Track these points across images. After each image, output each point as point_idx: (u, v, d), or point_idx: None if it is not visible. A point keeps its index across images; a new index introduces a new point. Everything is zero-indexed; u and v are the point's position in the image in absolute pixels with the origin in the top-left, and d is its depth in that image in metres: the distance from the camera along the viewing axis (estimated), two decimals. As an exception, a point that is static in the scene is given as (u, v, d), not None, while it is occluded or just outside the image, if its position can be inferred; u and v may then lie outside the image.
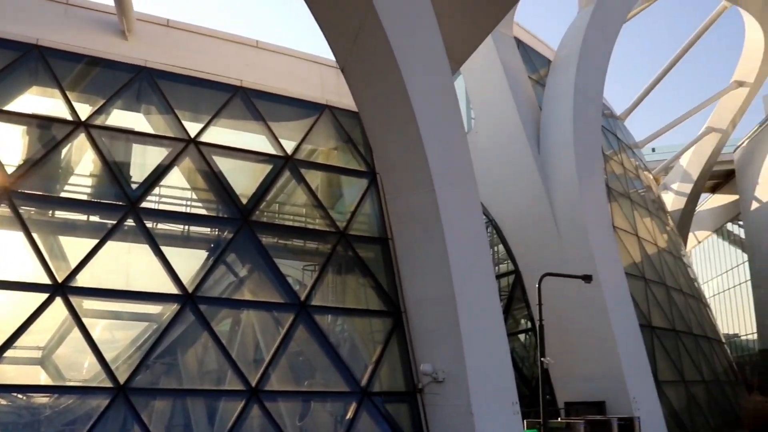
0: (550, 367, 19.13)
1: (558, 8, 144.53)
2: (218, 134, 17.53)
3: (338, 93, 19.78)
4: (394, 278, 17.69)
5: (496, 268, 26.14)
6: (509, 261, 25.73)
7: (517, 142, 25.27)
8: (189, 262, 15.89)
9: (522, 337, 26.15)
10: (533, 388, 23.56)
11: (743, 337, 52.92)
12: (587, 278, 19.41)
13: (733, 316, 54.35)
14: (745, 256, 48.92)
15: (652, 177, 41.24)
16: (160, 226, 16.00)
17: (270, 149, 18.16)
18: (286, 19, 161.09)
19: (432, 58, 16.58)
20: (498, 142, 26.06)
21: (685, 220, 48.32)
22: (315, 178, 18.73)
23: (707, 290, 55.48)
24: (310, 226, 18.10)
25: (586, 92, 25.78)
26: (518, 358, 25.16)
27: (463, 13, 18.03)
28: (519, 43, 28.43)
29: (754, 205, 43.71)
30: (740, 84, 42.50)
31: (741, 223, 49.27)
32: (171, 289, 14.96)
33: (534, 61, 29.42)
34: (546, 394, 19.34)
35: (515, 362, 23.75)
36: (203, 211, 17.33)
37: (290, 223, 18.11)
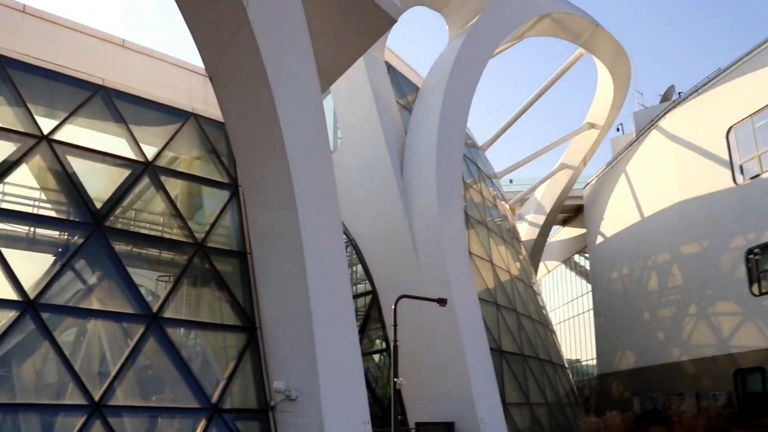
0: (402, 388, 19.42)
1: (429, 37, 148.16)
2: (74, 133, 16.58)
3: (205, 101, 19.37)
4: (251, 293, 17.45)
5: (354, 287, 26.32)
6: (367, 281, 25.98)
7: (381, 165, 25.64)
8: (33, 266, 14.91)
9: (376, 357, 26.42)
10: (385, 408, 23.82)
11: (584, 363, 56.05)
12: (442, 302, 19.86)
13: (576, 342, 57.47)
14: (589, 287, 51.88)
15: (508, 207, 43.03)
16: (2, 226, 14.96)
17: (129, 153, 17.44)
18: (157, 22, 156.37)
19: (303, 76, 16.60)
20: (362, 163, 26.36)
21: (537, 249, 50.73)
22: (175, 187, 18.19)
23: (554, 317, 58.30)
24: (167, 236, 17.54)
25: (450, 121, 26.57)
26: (372, 378, 25.38)
27: (336, 35, 18.18)
28: (389, 67, 29.00)
29: (599, 239, 46.52)
30: (592, 126, 45.30)
31: (587, 255, 52.24)
32: (10, 294, 13.99)
33: (403, 86, 30.10)
34: (398, 414, 19.60)
35: (369, 382, 23.93)
36: (52, 213, 16.32)
37: (146, 232, 17.40)
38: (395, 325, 18.53)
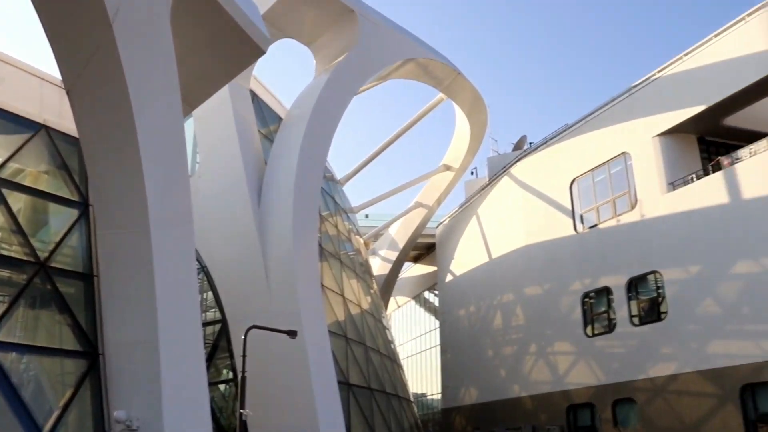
0: (248, 419, 19.16)
1: (295, 69, 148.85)
2: None
3: (59, 114, 18.53)
4: (95, 317, 16.72)
5: (203, 315, 25.74)
6: (217, 309, 25.50)
7: (238, 193, 25.41)
8: None
9: (222, 387, 25.85)
10: (229, 439, 23.36)
11: (429, 397, 57.30)
12: (292, 334, 19.87)
13: (422, 376, 58.69)
14: (437, 323, 53.28)
15: (362, 241, 43.62)
16: None
17: (-32, 163, 16.42)
18: (11, 25, 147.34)
19: (165, 98, 16.27)
20: (219, 189, 26.00)
21: (388, 284, 51.60)
22: (18, 201, 17.21)
23: (402, 352, 59.27)
24: (5, 253, 16.51)
25: (311, 154, 26.80)
26: (217, 409, 24.79)
27: (203, 61, 18.02)
28: (254, 96, 28.95)
29: (449, 277, 48.05)
30: (448, 168, 46.97)
31: (437, 292, 53.70)
32: None
33: (266, 116, 30.10)
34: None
35: (214, 413, 23.34)
36: None
37: (-19, 247, 16.36)
38: (244, 356, 18.33)
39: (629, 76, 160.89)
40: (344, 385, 26.90)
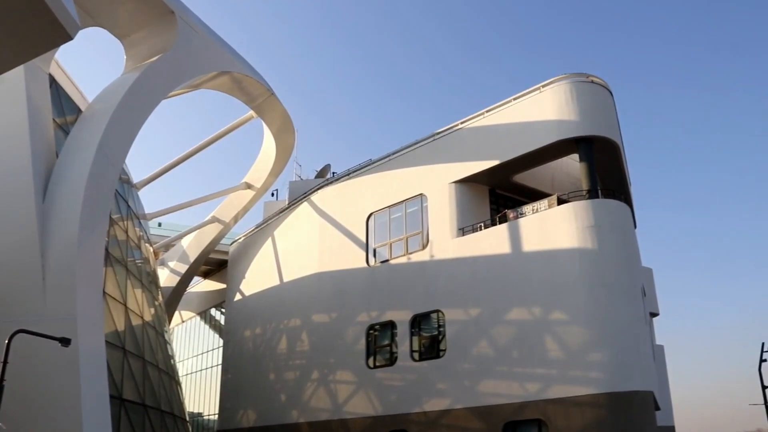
0: (1, 432, 17.43)
1: (103, 62, 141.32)
2: None
3: None
4: None
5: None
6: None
7: (21, 183, 23.20)
8: None
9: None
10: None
11: (206, 417, 55.58)
12: (65, 342, 18.44)
13: (201, 396, 56.89)
14: (221, 342, 52.06)
15: (152, 250, 41.82)
16: None
17: None
18: None
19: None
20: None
21: (174, 297, 49.81)
22: None
23: (182, 368, 57.26)
24: None
25: (109, 153, 25.26)
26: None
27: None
28: (53, 81, 26.89)
29: (237, 296, 47.24)
30: (249, 186, 46.44)
31: (224, 310, 52.54)
32: None
33: (64, 105, 28.03)
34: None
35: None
36: None
37: None
38: (5, 362, 16.76)
39: (436, 123, 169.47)
40: (117, 399, 25.39)
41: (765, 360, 42.51)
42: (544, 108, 30.20)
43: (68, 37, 16.96)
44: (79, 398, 20.94)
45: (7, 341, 16.98)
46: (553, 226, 28.25)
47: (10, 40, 16.68)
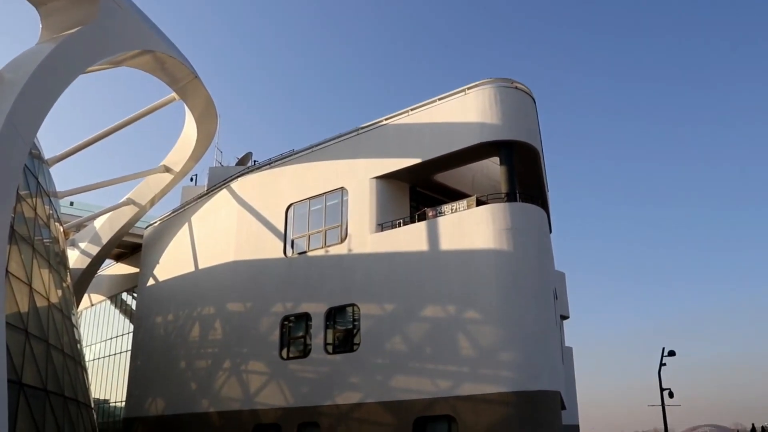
0: None
1: (14, 29, 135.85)
2: None
3: None
4: None
5: None
6: None
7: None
8: None
9: None
10: None
11: (112, 404, 54.16)
12: (-37, 320, 17.60)
13: (108, 382, 55.42)
14: (132, 327, 50.81)
15: (62, 230, 40.30)
16: None
17: None
18: None
19: None
20: None
21: (84, 280, 48.31)
22: None
23: (89, 353, 55.62)
24: None
25: (19, 125, 24.14)
26: None
27: None
28: (-40, 48, 25.54)
29: (151, 281, 46.16)
30: (167, 169, 45.28)
31: (135, 295, 51.27)
32: None
33: (-30, 72, 26.62)
34: None
35: None
36: None
37: None
38: None
39: (362, 118, 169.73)
40: (15, 384, 24.29)
41: (664, 364, 44.28)
42: (467, 110, 30.55)
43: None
44: (-26, 381, 20.02)
45: None
46: (470, 227, 28.62)
47: None
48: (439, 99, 31.76)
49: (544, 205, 32.17)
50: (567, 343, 51.55)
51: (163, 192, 46.46)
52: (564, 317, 50.26)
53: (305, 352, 32.95)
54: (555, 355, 27.95)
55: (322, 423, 30.69)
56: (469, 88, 31.04)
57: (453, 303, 28.11)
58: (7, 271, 24.70)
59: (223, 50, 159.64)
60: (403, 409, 28.21)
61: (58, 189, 39.80)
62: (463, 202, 29.64)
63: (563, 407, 29.29)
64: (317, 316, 32.56)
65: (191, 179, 51.90)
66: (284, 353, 33.81)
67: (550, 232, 32.28)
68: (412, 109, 32.51)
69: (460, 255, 28.51)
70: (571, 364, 52.43)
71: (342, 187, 33.73)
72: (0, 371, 21.67)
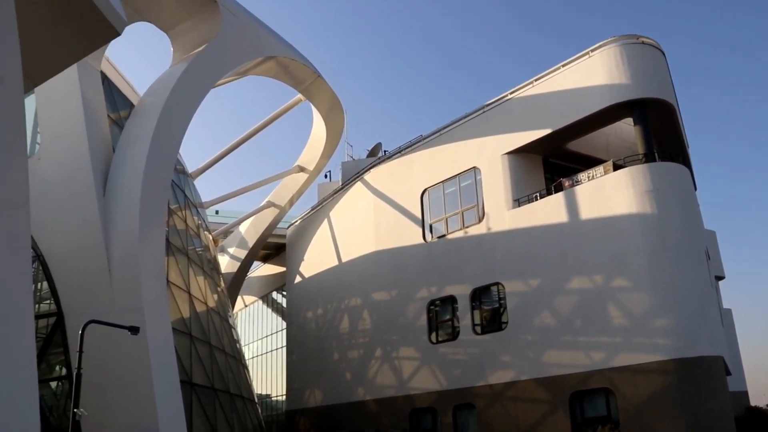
0: (82, 420, 18.07)
1: (151, 56, 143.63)
2: None
3: None
4: None
5: (36, 307, 24.09)
6: (52, 301, 23.92)
7: (82, 179, 23.94)
8: None
9: (54, 384, 24.28)
10: (59, 440, 21.96)
11: (274, 398, 56.71)
12: (134, 330, 19.03)
13: (267, 378, 58.00)
14: (284, 324, 52.87)
15: (211, 238, 42.60)
16: None
17: None
18: None
19: (4, 71, 15.02)
20: (61, 174, 24.36)
21: (236, 283, 50.67)
22: None
23: (248, 352, 58.40)
24: None
25: (163, 144, 25.78)
26: (47, 407, 23.26)
27: (51, 35, 16.74)
28: (105, 78, 27.48)
29: (298, 278, 47.82)
30: (302, 169, 46.74)
31: (285, 293, 53.27)
32: None
33: (117, 100, 28.67)
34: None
35: (43, 411, 21.93)
36: None
37: None
38: (80, 352, 17.34)
39: (486, 94, 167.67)
40: (187, 384, 26.05)
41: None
42: (594, 72, 29.61)
43: (116, 33, 17.28)
44: (151, 384, 21.62)
45: (80, 332, 17.55)
46: (610, 192, 27.78)
47: (62, 39, 17.10)
48: (563, 66, 30.97)
49: (685, 162, 30.68)
50: (725, 305, 49.02)
51: (300, 191, 48.02)
52: (719, 278, 47.80)
53: (454, 334, 33.18)
54: (713, 317, 26.66)
55: (477, 404, 30.85)
56: (593, 50, 30.06)
57: (599, 272, 27.43)
58: (167, 280, 26.47)
59: (341, 44, 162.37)
60: (557, 385, 27.88)
61: (203, 199, 42.05)
62: (600, 168, 28.79)
63: (728, 373, 27.94)
64: (462, 298, 32.68)
65: (325, 176, 53.23)
66: (433, 337, 34.19)
67: (695, 190, 30.78)
68: (536, 80, 31.89)
69: (602, 223, 27.76)
70: (732, 327, 49.83)
71: (474, 167, 33.61)
72: (172, 373, 23.32)
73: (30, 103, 24.98)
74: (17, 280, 15.17)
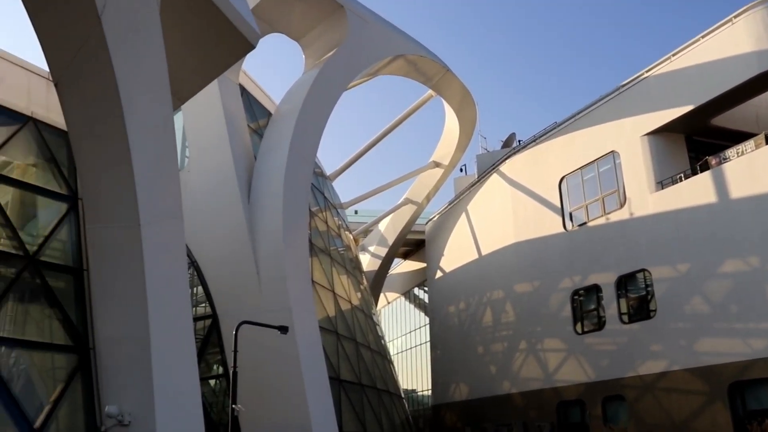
0: (240, 415, 19.09)
1: (285, 65, 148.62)
2: None
3: (47, 107, 18.37)
4: (86, 312, 16.61)
5: (194, 310, 25.66)
6: (207, 304, 25.42)
7: (228, 188, 25.34)
8: None
9: (212, 382, 25.77)
10: (220, 435, 23.30)
11: (419, 393, 57.37)
12: (283, 329, 19.86)
13: (412, 373, 58.73)
14: (427, 319, 53.32)
15: (352, 237, 43.61)
16: None
17: (-44, 156, 16.26)
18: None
19: (155, 91, 16.15)
20: (209, 185, 25.91)
21: (378, 281, 51.60)
22: (5, 194, 17.03)
23: (392, 348, 59.34)
24: (-6, 247, 16.39)
25: (301, 149, 26.75)
26: (208, 404, 24.71)
27: (193, 55, 17.90)
28: (243, 90, 28.85)
29: (438, 274, 48.06)
30: (437, 164, 46.98)
31: (426, 288, 53.71)
32: None
33: (255, 111, 30.01)
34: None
35: (205, 408, 23.28)
36: None
37: (-31, 241, 16.20)
38: (235, 351, 18.30)
39: (619, 75, 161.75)
40: (335, 380, 26.88)
41: None
42: (738, 40, 27.82)
43: (251, 47, 18.26)
44: (302, 381, 22.53)
45: (234, 332, 18.55)
46: (763, 168, 26.01)
47: (205, 56, 18.22)
48: (702, 37, 29.30)
49: None
50: None
51: (437, 186, 48.27)
52: None
53: (600, 324, 32.26)
54: None
55: (627, 395, 29.85)
56: (735, 17, 28.20)
57: (755, 254, 25.77)
58: (312, 280, 27.44)
59: (468, 34, 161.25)
60: (714, 375, 26.46)
61: (342, 200, 43.16)
62: (750, 143, 27.02)
63: None
64: (607, 287, 31.71)
65: (461, 170, 53.18)
66: (578, 328, 33.40)
67: None
68: (673, 55, 30.38)
69: (755, 201, 26.05)
70: None
71: (613, 151, 32.52)
72: (321, 370, 24.17)
73: (177, 119, 26.64)
74: (176, 286, 16.32)
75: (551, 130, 36.86)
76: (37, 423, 14.68)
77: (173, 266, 16.40)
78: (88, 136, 16.00)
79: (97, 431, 15.42)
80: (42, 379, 16.07)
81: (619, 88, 32.72)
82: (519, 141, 47.79)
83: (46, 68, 16.54)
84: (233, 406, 17.80)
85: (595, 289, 32.52)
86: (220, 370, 25.06)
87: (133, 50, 15.30)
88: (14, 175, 17.64)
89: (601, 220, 32.63)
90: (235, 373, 18.13)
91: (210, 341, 25.05)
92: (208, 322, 25.15)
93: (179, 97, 18.76)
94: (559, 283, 34.59)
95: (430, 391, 50.23)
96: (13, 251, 16.32)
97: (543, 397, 34.54)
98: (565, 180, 35.29)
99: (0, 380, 14.59)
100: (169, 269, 16.19)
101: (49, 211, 17.78)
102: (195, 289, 25.87)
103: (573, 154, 34.79)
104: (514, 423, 34.69)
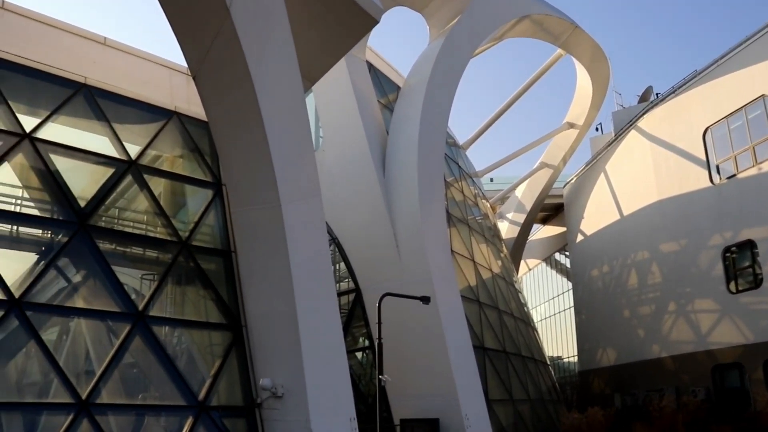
0: (387, 385, 19.55)
1: (410, 38, 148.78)
2: (57, 131, 16.49)
3: (188, 100, 19.40)
4: (236, 291, 17.51)
5: (337, 285, 26.42)
6: (350, 279, 26.10)
7: (363, 164, 25.79)
8: (17, 265, 14.87)
9: (359, 354, 26.52)
10: (370, 405, 23.96)
11: (565, 360, 56.52)
12: (425, 300, 20.07)
13: (557, 339, 57.91)
14: (570, 285, 52.28)
15: (489, 205, 43.29)
16: (-15, 225, 14.91)
17: (113, 152, 17.42)
18: (138, 19, 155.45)
19: (285, 75, 16.66)
20: (344, 163, 26.47)
21: (517, 248, 51.07)
22: (158, 185, 18.20)
23: (536, 315, 58.75)
24: (151, 234, 17.55)
25: (432, 120, 26.75)
26: (355, 376, 25.49)
27: (319, 35, 18.28)
28: (371, 67, 29.12)
29: (579, 237, 46.91)
30: (571, 125, 45.68)
31: (567, 253, 52.60)
32: (-6, 293, 13.93)
33: (384, 86, 30.23)
34: (383, 411, 19.70)
35: (353, 379, 24.02)
36: (35, 212, 16.21)
37: (130, 230, 17.37)
38: (379, 323, 18.70)
39: (764, 14, 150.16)
40: (479, 349, 26.94)
41: None
42: None
43: (374, 22, 18.41)
44: (446, 350, 22.74)
45: (377, 304, 18.95)
46: None
47: (330, 36, 18.56)
48: None
49: None
50: None
51: (573, 148, 47.01)
52: None
53: (756, 282, 30.37)
54: None
55: (793, 356, 28.05)
56: None
57: None
58: (452, 250, 27.51)
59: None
60: None
61: (476, 169, 42.88)
62: None
63: None
64: (763, 242, 29.77)
65: (597, 129, 51.48)
66: (732, 286, 31.62)
67: None
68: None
69: None
70: None
71: (763, 95, 30.30)
72: (464, 339, 24.27)
73: (309, 101, 27.35)
74: (319, 262, 16.86)
75: (691, 79, 34.82)
76: (201, 396, 15.68)
77: (315, 243, 16.93)
78: (225, 125, 16.78)
79: (254, 403, 16.28)
80: (201, 356, 17.12)
81: (767, 26, 30.42)
82: (656, 94, 45.49)
83: (185, 64, 17.42)
84: (380, 377, 18.23)
85: (749, 245, 30.61)
86: (366, 342, 25.72)
87: (262, 38, 15.83)
88: (164, 167, 18.77)
89: (753, 171, 30.60)
90: (380, 345, 18.54)
91: (355, 315, 25.75)
92: (352, 296, 25.84)
93: (309, 78, 19.23)
94: (708, 240, 32.81)
95: (576, 358, 49.34)
96: (168, 237, 17.43)
97: (696, 360, 33.06)
98: (709, 131, 33.30)
99: (167, 357, 15.69)
100: (311, 246, 16.73)
101: (196, 199, 18.79)
102: (338, 264, 26.63)
103: (717, 103, 32.72)
104: (665, 388, 33.44)
